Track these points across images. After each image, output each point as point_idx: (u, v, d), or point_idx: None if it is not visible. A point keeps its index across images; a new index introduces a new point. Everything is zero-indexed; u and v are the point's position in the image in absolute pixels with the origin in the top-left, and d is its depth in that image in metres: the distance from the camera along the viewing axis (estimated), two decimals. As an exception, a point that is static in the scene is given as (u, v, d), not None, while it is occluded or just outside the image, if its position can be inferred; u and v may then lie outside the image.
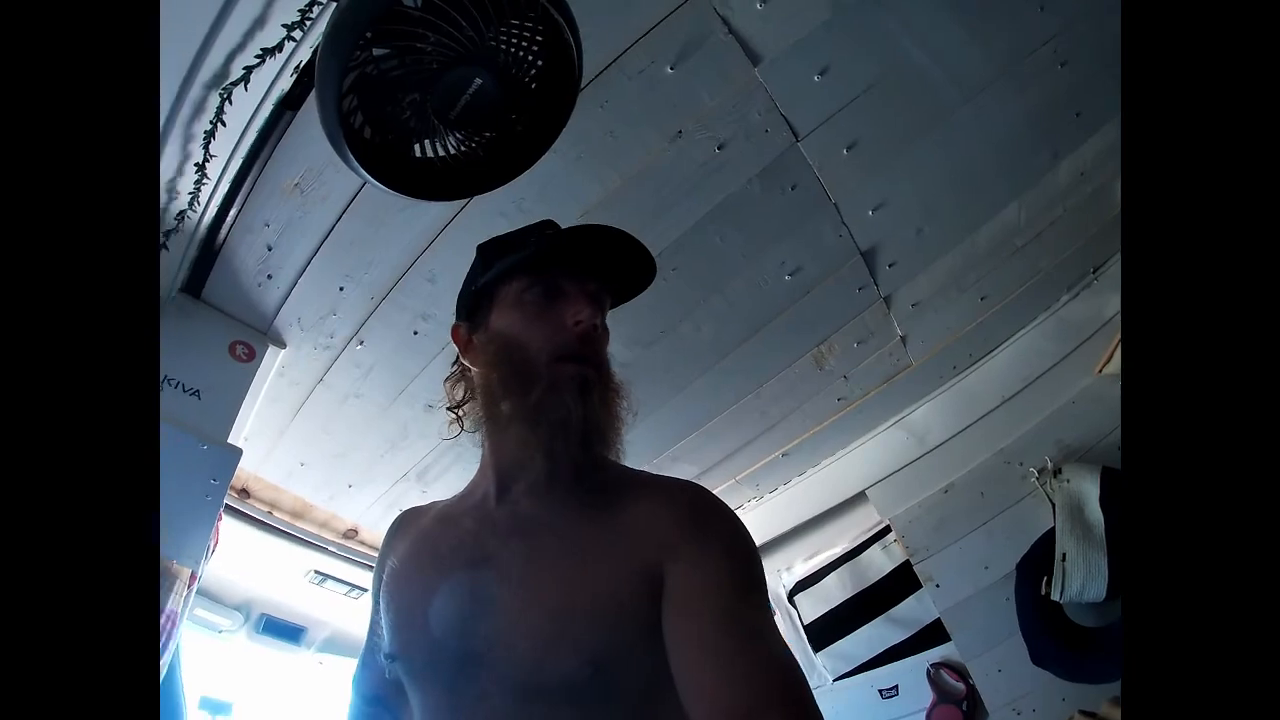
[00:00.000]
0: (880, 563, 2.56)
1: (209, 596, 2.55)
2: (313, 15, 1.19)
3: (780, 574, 2.75)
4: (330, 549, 2.61)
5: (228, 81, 1.27)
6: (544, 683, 0.71)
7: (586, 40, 0.99)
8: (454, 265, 1.64)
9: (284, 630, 2.83)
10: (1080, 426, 2.20)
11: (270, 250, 1.67)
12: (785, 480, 2.80)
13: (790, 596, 2.73)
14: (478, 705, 0.74)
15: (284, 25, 1.19)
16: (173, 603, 1.90)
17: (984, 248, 2.01)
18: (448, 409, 0.93)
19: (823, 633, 2.63)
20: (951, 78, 1.55)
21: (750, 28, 1.40)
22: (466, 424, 0.91)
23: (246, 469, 2.32)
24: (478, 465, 0.92)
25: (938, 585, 2.33)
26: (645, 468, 0.90)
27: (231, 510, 2.31)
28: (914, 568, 2.38)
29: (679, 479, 0.85)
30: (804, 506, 2.77)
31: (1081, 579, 1.97)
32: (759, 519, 2.75)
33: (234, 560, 2.43)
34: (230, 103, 1.30)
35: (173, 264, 1.64)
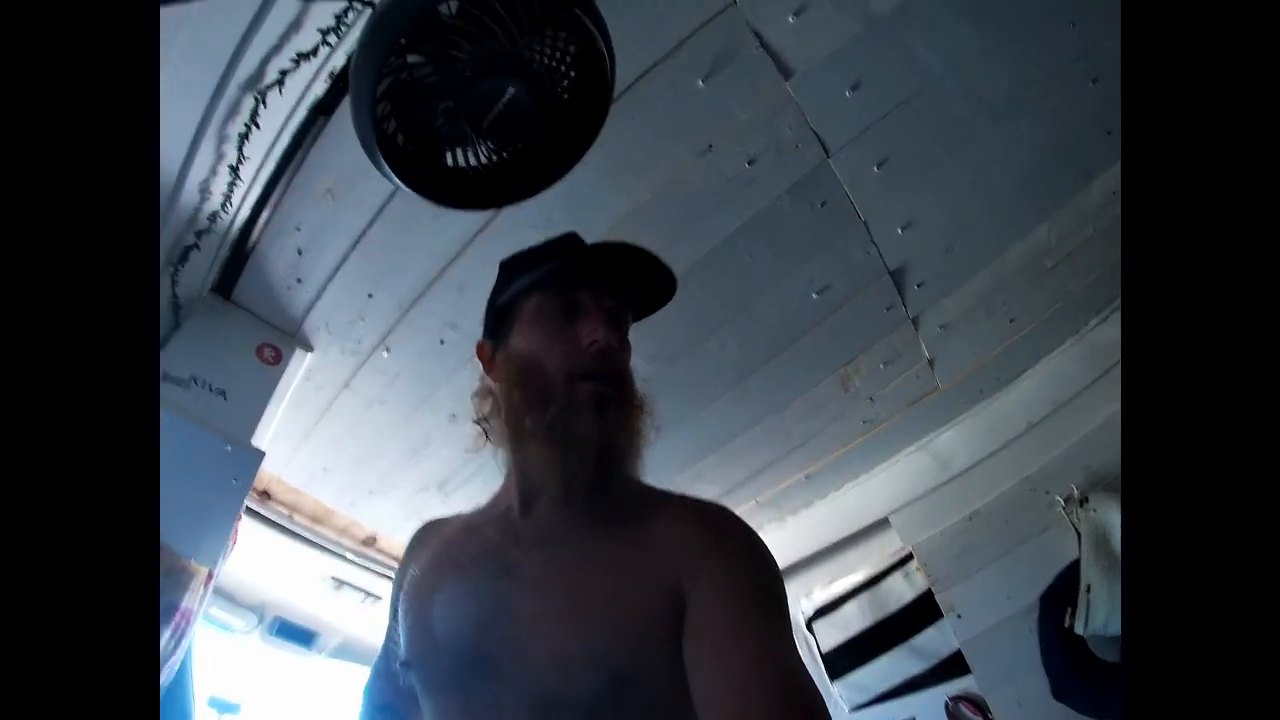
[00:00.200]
0: (901, 591, 2.52)
1: (224, 596, 2.56)
2: (348, 21, 1.21)
3: (799, 600, 2.71)
4: (348, 555, 2.62)
5: (263, 84, 1.29)
6: (561, 696, 0.70)
7: (619, 52, 0.99)
8: (483, 275, 1.63)
9: (297, 634, 2.83)
10: (1108, 454, 2.15)
11: (301, 254, 1.68)
12: (807, 503, 2.77)
13: (808, 624, 2.69)
14: (492, 716, 0.73)
15: (319, 30, 1.21)
16: (188, 600, 1.91)
17: (1013, 268, 1.98)
18: (474, 422, 0.93)
19: (840, 661, 2.59)
20: (982, 94, 1.54)
21: (782, 41, 1.39)
22: (492, 438, 0.90)
23: (269, 471, 2.33)
24: (499, 477, 0.92)
25: (959, 615, 2.28)
26: (666, 486, 0.88)
27: (252, 512, 2.33)
28: (936, 597, 2.34)
29: (704, 500, 0.84)
30: (825, 531, 2.74)
31: (1106, 612, 1.91)
32: (780, 542, 2.71)
33: (251, 561, 2.44)
34: (265, 106, 1.32)
35: (204, 264, 1.66)
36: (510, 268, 0.95)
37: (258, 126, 1.34)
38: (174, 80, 1.25)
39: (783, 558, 2.64)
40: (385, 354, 1.93)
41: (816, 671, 2.59)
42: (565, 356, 0.81)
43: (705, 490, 2.52)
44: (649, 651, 0.70)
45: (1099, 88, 1.55)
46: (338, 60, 1.29)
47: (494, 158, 1.08)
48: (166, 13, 1.05)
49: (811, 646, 2.65)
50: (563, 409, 0.79)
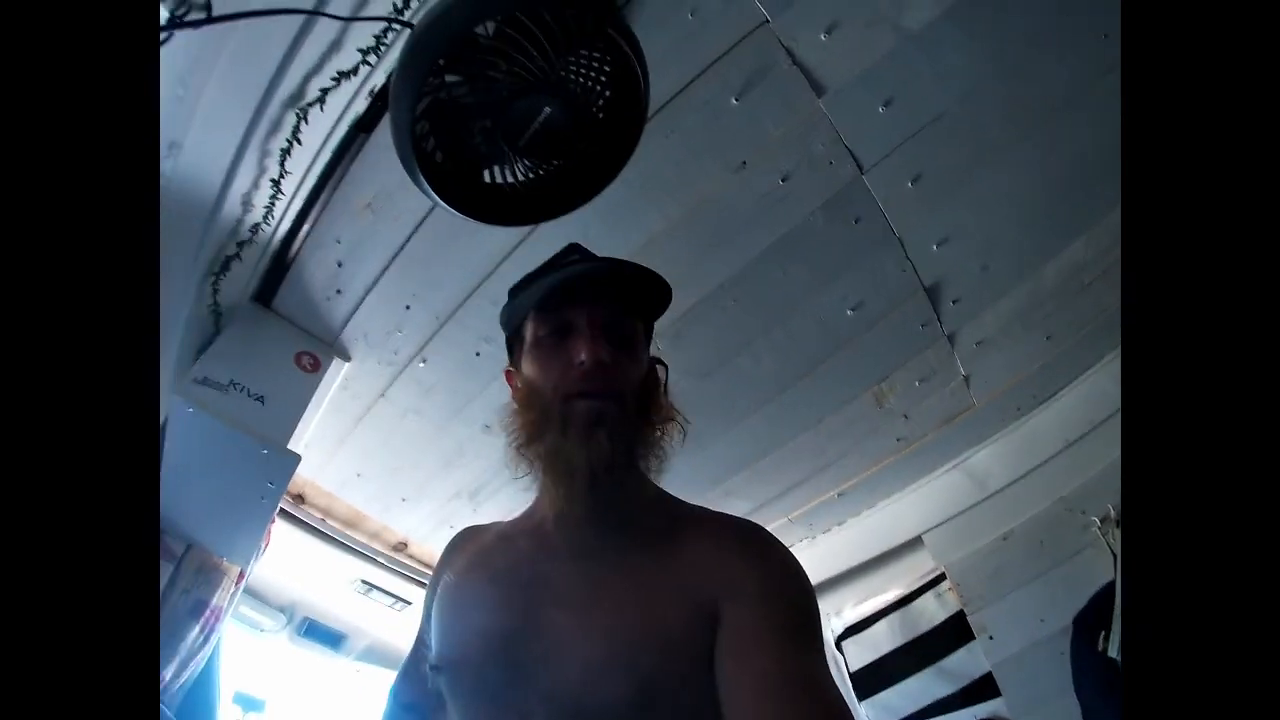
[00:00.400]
0: (933, 611, 2.47)
1: (255, 595, 2.60)
2: (387, 41, 1.24)
3: (829, 618, 2.68)
4: (379, 560, 2.65)
5: (304, 102, 1.33)
6: (590, 706, 0.71)
7: (653, 71, 1.00)
8: (518, 291, 1.66)
9: (325, 635, 2.86)
10: (1146, 474, 2.09)
11: (340, 266, 1.72)
12: (839, 521, 2.73)
13: (838, 642, 2.66)
14: None
15: (359, 50, 1.24)
16: (219, 598, 1.96)
17: (1050, 284, 1.95)
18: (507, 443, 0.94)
19: (869, 681, 2.55)
20: (1016, 109, 1.52)
21: (814, 58, 1.39)
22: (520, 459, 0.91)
23: (303, 475, 2.37)
24: (530, 488, 0.92)
25: (991, 637, 2.24)
26: (697, 501, 0.89)
27: (285, 514, 2.38)
28: (968, 618, 2.29)
29: (739, 517, 0.84)
30: (857, 549, 2.70)
31: (1140, 636, 1.85)
32: (811, 560, 2.64)
33: (283, 563, 2.48)
34: (306, 122, 1.35)
35: (245, 274, 1.70)
36: (514, 293, 0.94)
37: (299, 142, 1.38)
38: (218, 96, 1.29)
39: (814, 575, 2.58)
40: (421, 365, 1.96)
41: (845, 691, 2.56)
42: (560, 376, 0.81)
43: (736, 506, 2.51)
44: (678, 665, 0.70)
45: (1134, 99, 1.52)
46: (377, 79, 1.31)
47: (530, 175, 1.09)
48: (211, 30, 1.09)
49: (840, 665, 2.61)
50: (559, 432, 0.79)
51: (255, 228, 1.57)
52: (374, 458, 2.29)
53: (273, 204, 1.51)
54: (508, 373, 0.94)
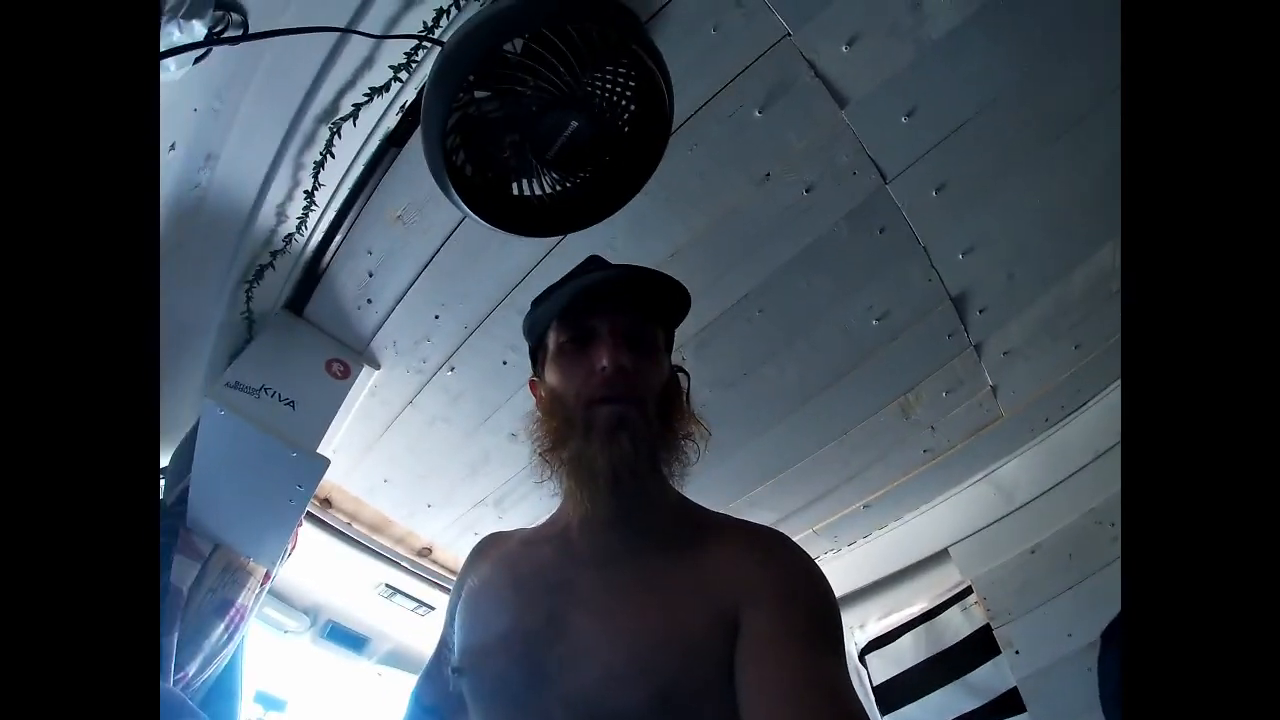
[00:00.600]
0: (958, 625, 2.44)
1: (280, 597, 2.63)
2: (418, 58, 1.26)
3: (853, 631, 2.65)
4: (404, 564, 2.67)
5: (337, 116, 1.36)
6: (610, 711, 0.71)
7: (677, 85, 1.01)
8: (545, 300, 1.68)
9: (348, 638, 2.89)
10: (1176, 487, 2.05)
11: (371, 276, 1.75)
12: (865, 533, 2.71)
13: (862, 655, 2.63)
14: None
15: (391, 67, 1.27)
16: (244, 598, 1.99)
17: (1078, 292, 1.92)
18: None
19: (892, 695, 2.51)
20: (1039, 116, 1.50)
21: (836, 70, 1.39)
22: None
23: (331, 480, 2.41)
24: (554, 496, 0.94)
25: (1017, 651, 2.20)
26: (721, 511, 0.89)
27: (312, 518, 2.41)
28: (994, 632, 2.26)
29: (762, 525, 0.85)
30: (882, 562, 2.67)
31: (1170, 651, 1.82)
32: (835, 572, 2.65)
33: (309, 565, 2.51)
34: (339, 137, 1.39)
35: (278, 282, 1.75)
36: (536, 304, 0.96)
37: (332, 155, 1.41)
38: (254, 110, 1.33)
39: (838, 587, 2.55)
40: (449, 373, 1.98)
41: (868, 705, 2.53)
42: (583, 383, 0.83)
43: (760, 517, 2.49)
44: (699, 671, 0.71)
45: (1158, 105, 1.50)
46: (408, 95, 1.34)
47: (557, 188, 1.12)
48: (248, 47, 1.12)
49: (864, 679, 2.58)
50: (582, 438, 0.80)
51: (289, 238, 1.61)
52: (401, 464, 2.32)
53: (306, 215, 1.55)
54: (532, 383, 0.96)
